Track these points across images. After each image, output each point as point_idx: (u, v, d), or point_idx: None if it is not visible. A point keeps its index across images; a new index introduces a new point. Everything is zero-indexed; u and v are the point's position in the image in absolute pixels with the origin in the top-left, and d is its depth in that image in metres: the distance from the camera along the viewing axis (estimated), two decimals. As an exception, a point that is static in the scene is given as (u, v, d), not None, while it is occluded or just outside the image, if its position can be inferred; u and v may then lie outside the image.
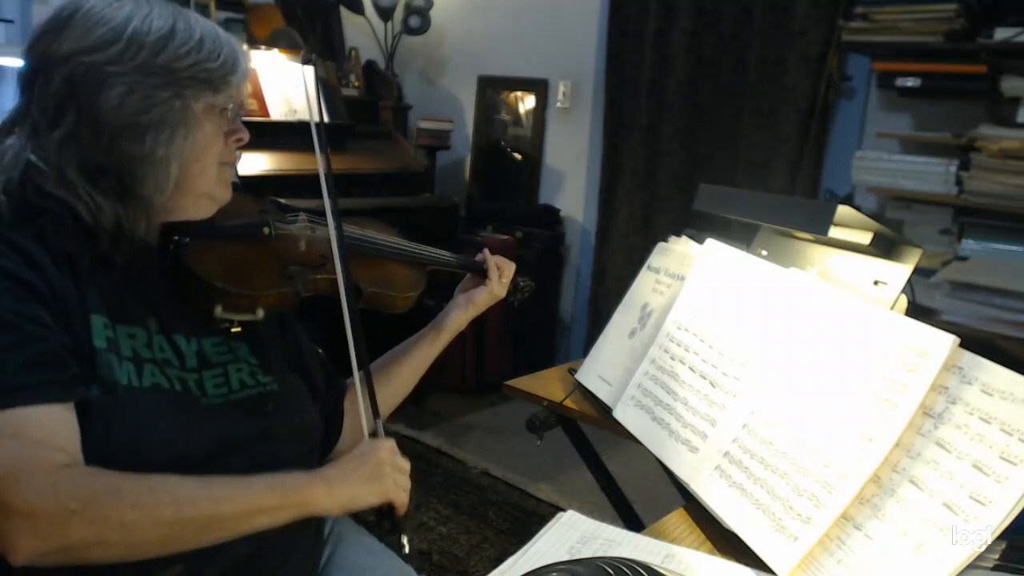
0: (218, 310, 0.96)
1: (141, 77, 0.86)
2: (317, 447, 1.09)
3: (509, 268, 1.29)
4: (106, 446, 0.81)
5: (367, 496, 0.89)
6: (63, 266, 0.84)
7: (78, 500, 0.73)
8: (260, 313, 0.99)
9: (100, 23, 0.86)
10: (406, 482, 0.93)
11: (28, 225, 0.83)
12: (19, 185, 0.85)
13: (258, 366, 1.01)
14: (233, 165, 0.98)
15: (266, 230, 1.04)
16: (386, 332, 1.28)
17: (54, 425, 0.78)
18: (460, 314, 1.25)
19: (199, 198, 0.94)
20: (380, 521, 0.92)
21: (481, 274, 1.28)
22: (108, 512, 0.74)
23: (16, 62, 2.82)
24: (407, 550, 0.92)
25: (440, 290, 1.41)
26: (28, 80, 0.88)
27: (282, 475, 0.86)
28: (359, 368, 0.99)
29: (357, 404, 0.99)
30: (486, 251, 1.28)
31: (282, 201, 1.16)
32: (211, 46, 0.90)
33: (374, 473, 0.90)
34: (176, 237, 0.95)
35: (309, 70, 1.10)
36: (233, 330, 1.00)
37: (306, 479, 0.87)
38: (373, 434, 0.97)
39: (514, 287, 1.35)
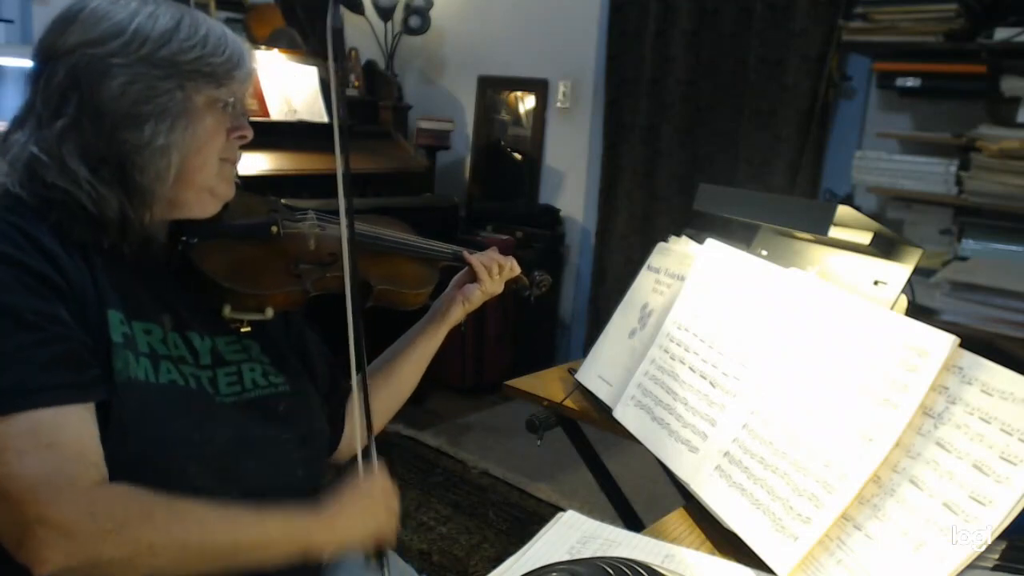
0: (227, 310, 0.96)
1: (144, 69, 0.86)
2: (324, 453, 1.09)
3: (503, 264, 1.26)
4: (124, 444, 0.81)
5: (364, 540, 0.91)
6: (78, 260, 0.84)
7: (114, 521, 0.74)
8: (269, 312, 0.98)
9: (105, 18, 0.86)
10: (395, 520, 0.95)
11: (43, 219, 0.84)
12: (27, 179, 0.85)
13: (270, 365, 1.01)
14: (235, 163, 0.98)
15: (274, 229, 1.04)
16: (388, 327, 1.27)
17: (80, 432, 0.78)
18: (458, 309, 1.23)
19: (200, 192, 0.93)
20: (369, 554, 0.94)
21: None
22: (140, 535, 0.75)
23: (16, 62, 2.81)
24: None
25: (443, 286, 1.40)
26: (35, 76, 0.88)
27: (293, 513, 0.86)
28: (357, 372, 0.98)
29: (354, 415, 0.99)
30: (465, 252, 1.25)
31: (284, 201, 1.15)
32: (216, 42, 0.90)
33: (372, 517, 0.91)
34: (184, 237, 0.96)
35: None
36: (243, 330, 0.99)
37: (313, 523, 0.87)
38: (365, 452, 0.97)
39: (531, 282, 1.35)
